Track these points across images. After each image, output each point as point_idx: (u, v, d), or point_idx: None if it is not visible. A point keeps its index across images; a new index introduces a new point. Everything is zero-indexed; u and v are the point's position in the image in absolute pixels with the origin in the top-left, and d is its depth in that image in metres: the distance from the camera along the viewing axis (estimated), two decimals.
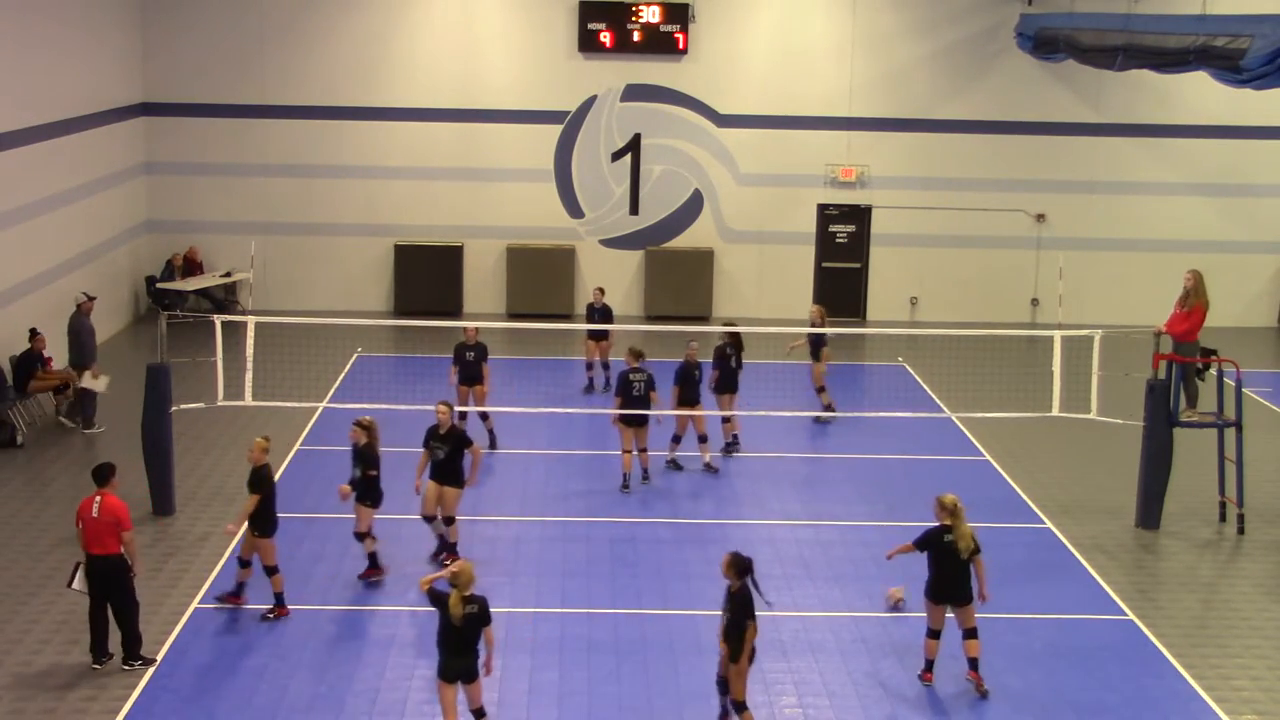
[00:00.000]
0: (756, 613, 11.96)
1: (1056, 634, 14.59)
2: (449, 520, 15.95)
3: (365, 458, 15.25)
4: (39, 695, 12.84)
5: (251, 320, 18.76)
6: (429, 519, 16.02)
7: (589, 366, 23.23)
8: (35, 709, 12.61)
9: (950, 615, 13.24)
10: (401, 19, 28.33)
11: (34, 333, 21.07)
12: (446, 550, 15.94)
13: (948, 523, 13.05)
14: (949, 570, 13.09)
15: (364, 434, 15.29)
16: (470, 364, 19.95)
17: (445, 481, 15.86)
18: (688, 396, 19.20)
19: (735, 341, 20.23)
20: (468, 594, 11.50)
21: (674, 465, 19.44)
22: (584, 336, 23.25)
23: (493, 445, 20.10)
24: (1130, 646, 14.39)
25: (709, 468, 19.41)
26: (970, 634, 13.21)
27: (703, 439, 19.37)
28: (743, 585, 12.01)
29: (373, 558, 15.51)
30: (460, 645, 11.53)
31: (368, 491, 15.31)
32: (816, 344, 21.41)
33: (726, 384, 20.07)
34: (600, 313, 22.96)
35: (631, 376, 18.52)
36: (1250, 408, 19.96)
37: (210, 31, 28.09)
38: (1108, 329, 19.48)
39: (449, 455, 15.80)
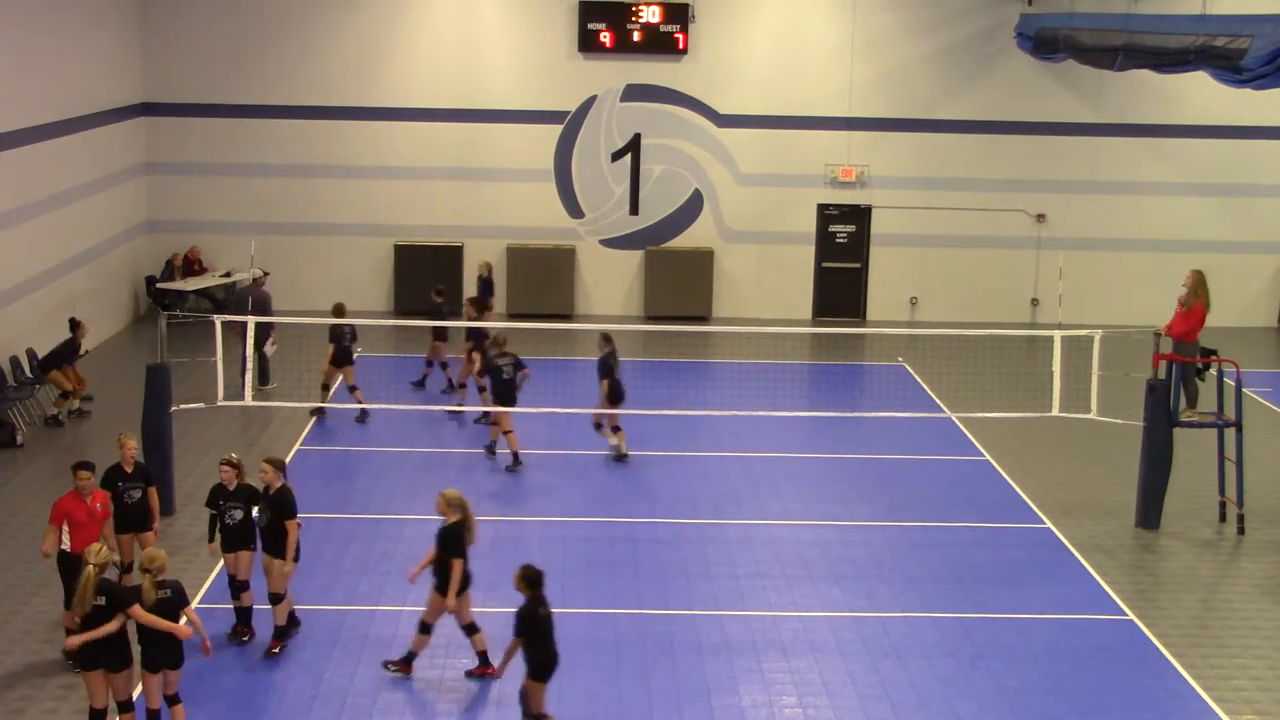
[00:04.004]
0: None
1: (1056, 634, 14.58)
2: (276, 599, 13.75)
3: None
4: (39, 695, 12.84)
5: (251, 320, 18.79)
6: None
7: (428, 364, 23.15)
8: (36, 709, 12.60)
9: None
10: (401, 19, 28.33)
11: (76, 323, 21.04)
12: (275, 636, 13.87)
13: (455, 518, 13.09)
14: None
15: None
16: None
17: (271, 551, 13.69)
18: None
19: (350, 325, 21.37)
20: (160, 579, 11.61)
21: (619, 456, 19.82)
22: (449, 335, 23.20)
23: (452, 393, 21.62)
24: (1130, 646, 14.38)
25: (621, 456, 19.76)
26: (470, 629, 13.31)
27: (615, 428, 19.75)
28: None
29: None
30: (155, 632, 11.56)
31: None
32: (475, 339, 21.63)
33: (346, 358, 21.09)
34: (436, 313, 22.87)
35: (499, 362, 19.23)
36: (1250, 408, 19.97)
37: (210, 31, 28.09)
38: (1108, 329, 19.49)
39: (272, 521, 13.62)
